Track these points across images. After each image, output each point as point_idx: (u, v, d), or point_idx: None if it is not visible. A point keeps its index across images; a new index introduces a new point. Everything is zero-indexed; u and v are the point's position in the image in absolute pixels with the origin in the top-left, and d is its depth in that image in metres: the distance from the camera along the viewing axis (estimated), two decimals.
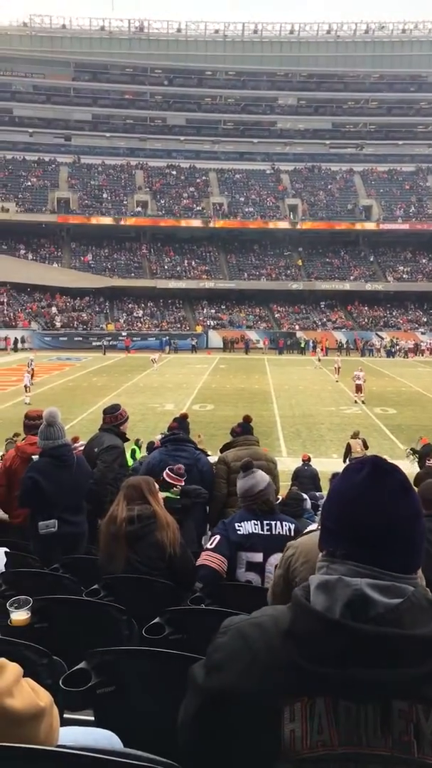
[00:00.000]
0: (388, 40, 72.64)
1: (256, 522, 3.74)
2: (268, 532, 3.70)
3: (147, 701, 2.22)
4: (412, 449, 15.00)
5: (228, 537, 3.73)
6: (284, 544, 3.62)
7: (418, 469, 14.10)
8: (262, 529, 3.71)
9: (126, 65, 71.69)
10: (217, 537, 3.78)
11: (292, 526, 3.75)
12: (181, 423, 7.00)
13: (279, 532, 3.70)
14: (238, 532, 3.71)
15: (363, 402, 27.29)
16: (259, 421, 22.80)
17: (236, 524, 3.74)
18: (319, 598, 1.10)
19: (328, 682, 1.03)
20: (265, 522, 3.74)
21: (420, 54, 71.91)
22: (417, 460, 14.40)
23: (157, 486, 4.15)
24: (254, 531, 3.71)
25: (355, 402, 27.52)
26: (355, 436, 16.39)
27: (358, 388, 27.93)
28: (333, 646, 1.04)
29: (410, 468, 14.21)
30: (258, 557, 3.66)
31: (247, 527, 3.72)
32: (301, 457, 15.10)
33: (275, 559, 3.61)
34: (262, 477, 3.94)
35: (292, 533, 3.68)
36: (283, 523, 3.76)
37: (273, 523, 3.74)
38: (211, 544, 3.78)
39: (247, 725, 1.06)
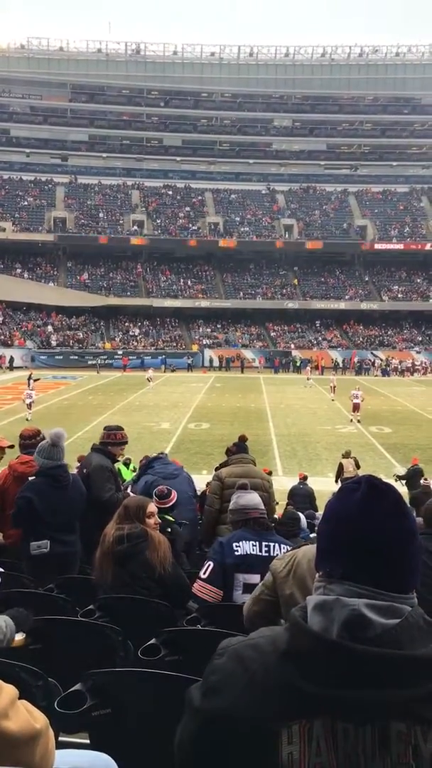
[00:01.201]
0: (382, 63, 73.54)
1: (254, 543, 3.69)
2: (266, 554, 3.66)
3: (143, 724, 2.20)
4: (396, 475, 15.17)
5: (222, 561, 3.67)
6: None
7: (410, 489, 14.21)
8: (260, 551, 3.67)
9: (123, 87, 72.41)
10: (210, 564, 3.72)
11: (290, 549, 3.71)
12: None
13: (277, 554, 3.66)
14: (236, 553, 3.66)
15: (359, 421, 27.30)
16: (255, 440, 22.80)
17: (234, 544, 3.70)
18: (316, 618, 1.10)
19: (326, 703, 1.02)
20: (263, 543, 3.70)
21: (413, 77, 72.83)
22: (404, 483, 14.57)
23: (152, 506, 4.13)
24: (252, 552, 3.67)
25: (351, 421, 27.52)
26: (346, 455, 16.39)
27: (356, 407, 27.95)
28: (331, 667, 1.02)
29: (403, 487, 14.23)
30: (255, 579, 3.60)
31: (245, 547, 3.67)
32: (297, 475, 15.07)
33: None
34: (253, 495, 3.94)
35: None
36: (282, 545, 3.73)
37: (271, 544, 3.70)
38: (204, 573, 3.73)
39: (244, 748, 1.05)
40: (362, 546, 1.12)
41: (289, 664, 1.07)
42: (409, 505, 1.18)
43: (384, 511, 1.14)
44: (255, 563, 3.65)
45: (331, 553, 1.17)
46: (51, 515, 4.98)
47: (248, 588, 3.61)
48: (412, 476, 15.22)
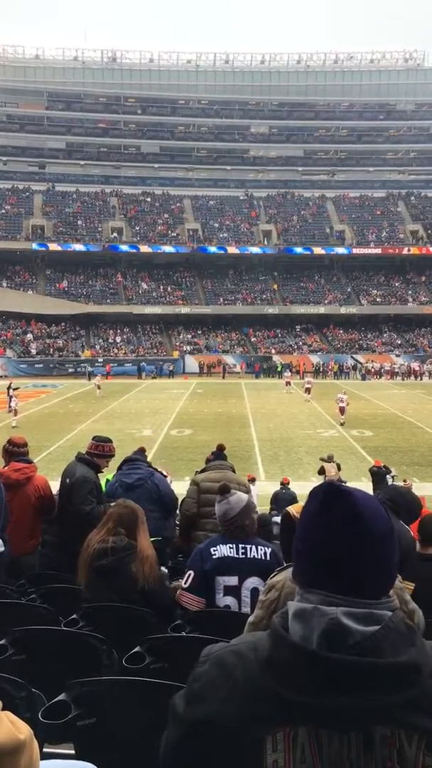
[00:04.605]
0: (357, 70, 74.31)
1: (231, 545, 3.69)
2: (243, 556, 3.66)
3: (128, 732, 2.19)
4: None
5: (201, 568, 3.68)
6: (259, 568, 3.57)
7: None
8: (237, 553, 3.67)
9: (99, 94, 72.43)
10: (191, 573, 3.72)
11: (268, 550, 3.69)
12: (139, 452, 7.02)
13: (254, 556, 3.66)
14: (213, 557, 3.66)
15: (342, 424, 27.50)
16: (238, 446, 22.83)
17: (212, 549, 3.71)
18: (297, 626, 1.09)
19: (309, 711, 1.01)
20: (240, 545, 3.70)
21: (388, 83, 73.66)
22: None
23: (142, 515, 4.07)
24: (229, 554, 3.66)
25: (341, 424, 27.68)
26: (329, 459, 16.45)
27: (342, 411, 28.20)
28: (311, 677, 1.02)
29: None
30: (233, 581, 3.61)
31: (223, 550, 3.67)
32: (279, 480, 15.10)
33: (251, 582, 3.57)
34: (237, 502, 3.86)
35: (268, 557, 3.63)
36: (259, 547, 3.71)
37: (248, 546, 3.69)
38: (186, 582, 3.74)
39: (229, 755, 1.04)
40: (321, 555, 1.12)
41: (271, 673, 1.06)
42: (372, 509, 1.16)
43: (339, 519, 1.12)
44: (232, 565, 3.65)
45: (299, 562, 1.17)
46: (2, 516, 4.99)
47: (228, 590, 3.61)
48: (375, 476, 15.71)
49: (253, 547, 3.69)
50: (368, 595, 1.09)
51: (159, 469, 6.86)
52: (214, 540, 3.82)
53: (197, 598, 3.67)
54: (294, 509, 3.05)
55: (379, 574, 1.13)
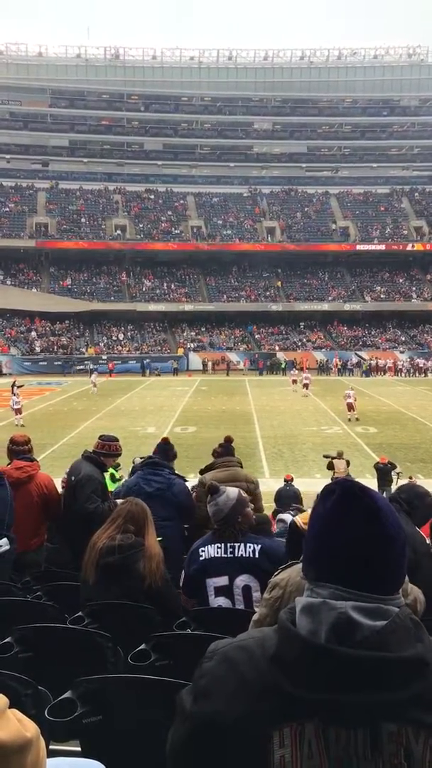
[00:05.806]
0: (360, 66, 74.06)
1: (219, 545, 3.67)
2: (231, 555, 3.65)
3: (134, 729, 2.19)
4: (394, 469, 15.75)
5: (189, 569, 3.71)
6: (248, 566, 3.59)
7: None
8: (225, 552, 3.65)
9: (102, 92, 72.36)
10: (183, 573, 3.80)
11: (257, 548, 3.65)
12: (161, 448, 6.83)
13: (242, 554, 3.64)
14: (200, 558, 3.67)
15: (357, 419, 27.64)
16: (242, 443, 22.79)
17: (200, 549, 3.71)
18: (304, 621, 1.10)
19: (316, 707, 1.02)
20: (228, 545, 3.67)
21: (392, 79, 73.42)
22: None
23: (150, 514, 4.06)
24: (216, 555, 3.65)
25: (349, 420, 27.71)
26: (339, 456, 16.48)
27: (350, 407, 28.20)
28: (319, 672, 1.02)
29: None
30: (223, 581, 3.60)
31: (210, 551, 3.67)
32: (283, 477, 15.09)
33: (241, 580, 3.57)
34: (224, 502, 3.77)
35: (256, 555, 3.61)
36: (248, 544, 3.67)
37: (236, 545, 3.67)
38: (182, 582, 3.82)
39: (236, 751, 1.04)
40: (338, 552, 1.12)
41: (277, 668, 1.06)
42: (388, 508, 1.16)
43: (357, 518, 1.13)
44: (219, 565, 3.64)
45: (312, 558, 1.17)
46: (3, 514, 4.99)
47: (219, 591, 3.61)
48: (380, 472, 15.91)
49: (241, 545, 3.67)
50: (380, 591, 1.10)
51: (181, 475, 6.65)
52: (204, 540, 3.82)
53: (185, 598, 3.74)
54: (301, 519, 3.05)
55: (393, 571, 1.13)
